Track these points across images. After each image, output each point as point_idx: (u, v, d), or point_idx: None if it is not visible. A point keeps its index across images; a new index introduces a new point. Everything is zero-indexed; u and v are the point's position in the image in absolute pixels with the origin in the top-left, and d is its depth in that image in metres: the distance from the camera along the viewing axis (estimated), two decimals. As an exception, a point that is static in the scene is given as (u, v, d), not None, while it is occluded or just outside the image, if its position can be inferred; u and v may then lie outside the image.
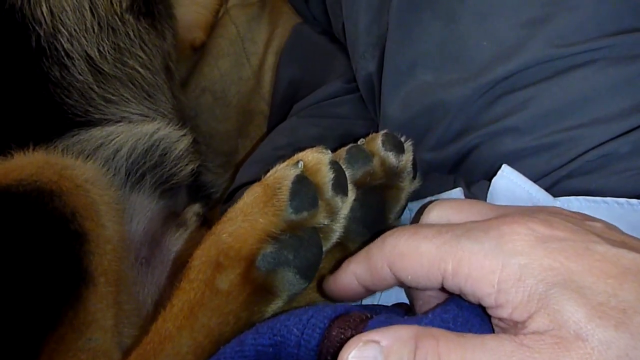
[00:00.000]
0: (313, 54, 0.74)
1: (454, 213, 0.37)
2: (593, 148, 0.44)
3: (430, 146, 0.51)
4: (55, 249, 0.41)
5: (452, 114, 0.49)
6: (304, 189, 0.40)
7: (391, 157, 0.45)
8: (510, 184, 0.43)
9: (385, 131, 0.47)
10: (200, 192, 0.63)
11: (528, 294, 0.30)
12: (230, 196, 0.62)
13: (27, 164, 0.41)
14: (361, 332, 0.33)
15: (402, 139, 0.47)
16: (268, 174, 0.42)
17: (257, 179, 0.56)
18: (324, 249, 0.42)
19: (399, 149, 0.46)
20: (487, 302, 0.31)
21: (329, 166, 0.42)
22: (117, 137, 0.53)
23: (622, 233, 0.35)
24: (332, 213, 0.42)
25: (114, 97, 0.53)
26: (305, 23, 0.77)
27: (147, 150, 0.54)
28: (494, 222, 0.33)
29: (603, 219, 0.38)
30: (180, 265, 0.43)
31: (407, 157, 0.46)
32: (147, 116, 0.54)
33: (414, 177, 0.47)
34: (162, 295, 0.50)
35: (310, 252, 0.40)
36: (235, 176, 0.67)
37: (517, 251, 0.31)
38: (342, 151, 0.46)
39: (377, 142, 0.46)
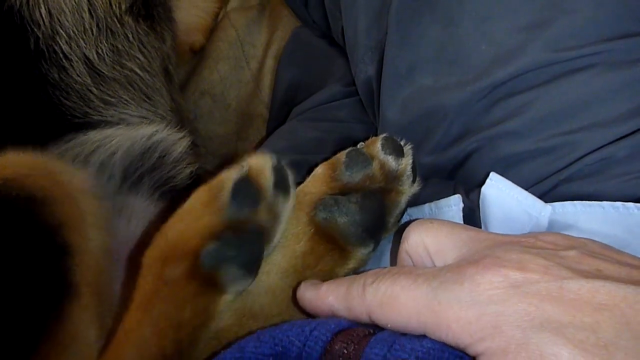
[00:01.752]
0: (312, 58, 0.75)
1: (431, 241, 0.38)
2: (592, 152, 0.44)
3: (429, 150, 0.51)
4: (39, 262, 0.40)
5: (451, 118, 0.49)
6: (245, 188, 0.41)
7: (391, 161, 0.46)
8: (499, 192, 0.43)
9: (384, 135, 0.47)
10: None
11: (506, 340, 0.30)
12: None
13: (16, 164, 0.41)
14: (364, 348, 0.33)
15: (402, 143, 0.47)
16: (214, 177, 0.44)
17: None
18: (267, 247, 0.43)
19: (399, 153, 0.46)
20: (469, 351, 0.32)
21: (272, 169, 0.43)
22: (115, 139, 0.53)
23: (600, 252, 0.34)
24: (274, 213, 0.43)
25: (112, 99, 0.52)
26: (305, 26, 0.77)
27: (145, 152, 0.54)
28: (468, 270, 0.33)
29: (599, 223, 0.39)
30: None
31: (407, 161, 0.46)
32: (145, 118, 0.54)
33: (413, 181, 0.47)
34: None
35: (252, 250, 0.42)
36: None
37: (492, 300, 0.31)
38: (342, 155, 0.46)
39: (376, 145, 0.46)
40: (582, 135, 0.44)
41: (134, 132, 0.54)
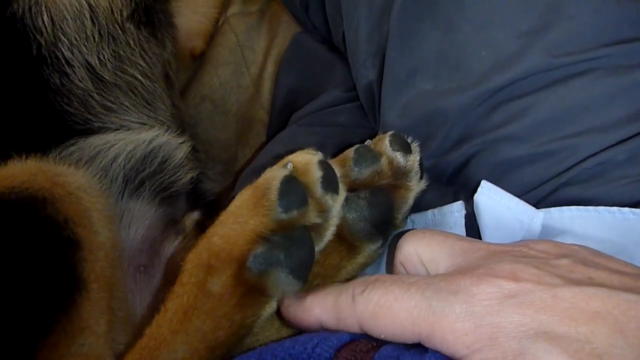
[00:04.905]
0: (312, 63, 0.75)
1: (424, 250, 0.38)
2: (590, 156, 0.44)
3: (429, 154, 0.51)
4: (48, 255, 0.40)
5: (451, 122, 0.49)
6: (293, 188, 0.40)
7: (399, 157, 0.46)
8: (490, 200, 0.43)
9: (392, 132, 0.47)
10: (200, 199, 0.63)
11: (502, 351, 0.30)
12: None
13: (19, 172, 0.41)
14: None
15: (409, 140, 0.48)
16: (259, 177, 0.42)
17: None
18: (317, 248, 0.42)
19: (407, 150, 0.47)
20: None
21: (318, 166, 0.42)
22: (115, 144, 0.53)
23: (592, 260, 0.35)
24: (323, 211, 0.42)
25: (113, 106, 0.53)
26: (305, 32, 0.77)
27: (146, 157, 0.54)
28: (462, 280, 0.33)
29: (595, 228, 0.40)
30: (174, 270, 0.42)
31: (415, 158, 0.47)
32: (146, 124, 0.54)
33: (421, 178, 0.48)
34: (157, 300, 0.50)
35: (302, 252, 0.40)
36: (234, 184, 0.67)
37: (488, 311, 0.31)
38: (350, 151, 0.46)
39: (384, 142, 0.46)
40: (582, 139, 0.44)
41: (135, 137, 0.54)
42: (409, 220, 0.50)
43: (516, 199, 0.43)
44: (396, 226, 0.48)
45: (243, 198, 0.42)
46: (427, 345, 0.33)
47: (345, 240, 0.45)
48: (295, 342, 0.36)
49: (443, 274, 0.35)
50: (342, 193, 0.43)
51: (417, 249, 0.38)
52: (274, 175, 0.41)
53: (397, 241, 0.40)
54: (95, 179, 0.49)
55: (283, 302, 0.40)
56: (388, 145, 0.46)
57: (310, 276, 0.44)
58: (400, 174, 0.46)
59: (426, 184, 0.48)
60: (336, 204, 0.42)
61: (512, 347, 0.30)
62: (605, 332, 0.29)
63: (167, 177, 0.56)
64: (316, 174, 0.42)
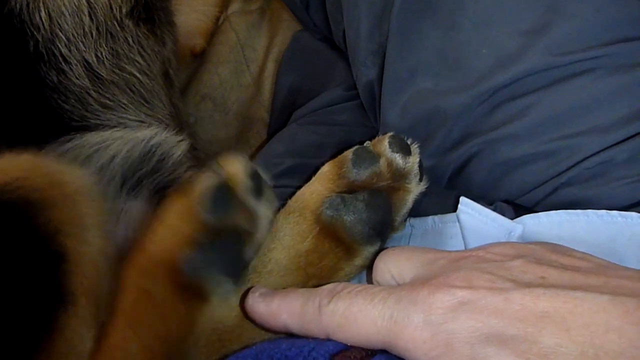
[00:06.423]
0: (313, 62, 0.75)
1: (394, 265, 0.39)
2: (591, 156, 0.44)
3: (430, 154, 0.51)
4: (34, 270, 0.39)
5: (452, 122, 0.49)
6: (221, 194, 0.41)
7: (398, 159, 0.46)
8: (469, 217, 0.44)
9: (392, 133, 0.47)
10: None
11: (457, 357, 0.31)
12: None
13: (13, 167, 0.40)
14: None
15: (409, 142, 0.47)
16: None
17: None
18: (248, 252, 0.43)
19: (406, 151, 0.46)
20: None
21: (245, 173, 0.43)
22: (114, 142, 0.52)
23: (548, 258, 0.35)
24: (251, 215, 0.43)
25: (111, 103, 0.52)
26: (305, 30, 0.77)
27: (144, 155, 0.53)
28: (421, 290, 0.34)
29: (583, 232, 0.41)
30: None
31: (414, 159, 0.47)
32: (144, 122, 0.54)
33: (420, 180, 0.47)
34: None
35: (232, 252, 0.41)
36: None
37: (443, 319, 0.32)
38: (349, 152, 0.46)
39: (384, 143, 0.46)
40: (582, 139, 0.44)
41: (133, 135, 0.54)
42: (408, 225, 0.50)
43: (494, 214, 0.43)
44: (395, 228, 0.48)
45: (173, 206, 0.43)
46: (392, 352, 0.34)
47: (343, 242, 0.45)
48: (292, 345, 0.36)
49: (405, 284, 0.36)
50: (268, 195, 0.44)
51: (387, 265, 0.39)
52: (203, 183, 0.42)
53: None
54: (93, 178, 0.48)
55: (247, 299, 0.41)
56: (387, 146, 0.46)
57: (307, 277, 0.45)
58: (399, 176, 0.46)
59: (426, 186, 0.48)
60: (263, 207, 0.43)
61: (465, 353, 0.31)
62: (551, 331, 0.30)
63: (166, 175, 0.56)
64: (244, 180, 0.43)
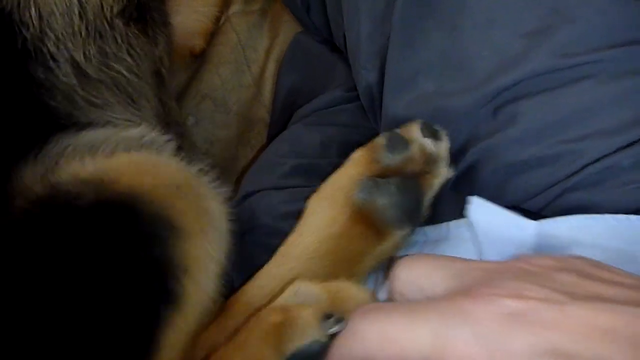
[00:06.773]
0: (313, 63, 0.74)
1: (421, 276, 0.36)
2: (596, 160, 0.43)
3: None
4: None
5: (454, 124, 0.49)
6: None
7: (429, 144, 0.47)
8: (482, 216, 0.43)
9: (421, 120, 0.48)
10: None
11: None
12: (239, 203, 0.62)
13: (124, 169, 0.40)
14: None
15: (438, 128, 0.49)
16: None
17: (263, 187, 0.57)
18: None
19: (437, 136, 0.48)
20: None
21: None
22: (105, 141, 0.53)
23: (592, 273, 0.33)
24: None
25: (97, 101, 0.52)
26: (306, 32, 0.77)
27: None
28: (465, 302, 0.32)
29: (604, 237, 0.39)
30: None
31: (445, 145, 0.48)
32: (130, 121, 0.54)
33: (448, 165, 0.48)
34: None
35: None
36: (237, 184, 0.67)
37: (494, 332, 0.30)
38: (381, 138, 0.48)
39: (414, 129, 0.48)
40: (586, 143, 0.44)
41: (123, 134, 0.54)
42: (422, 232, 0.50)
43: (506, 212, 0.42)
44: (423, 214, 0.48)
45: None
46: None
47: (374, 225, 0.46)
48: None
49: (444, 298, 0.34)
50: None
51: (413, 275, 0.37)
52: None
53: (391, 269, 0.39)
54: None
55: None
56: (419, 131, 0.47)
57: (335, 261, 0.46)
58: (430, 161, 0.47)
59: (453, 173, 0.49)
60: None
61: None
62: (618, 349, 0.28)
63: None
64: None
